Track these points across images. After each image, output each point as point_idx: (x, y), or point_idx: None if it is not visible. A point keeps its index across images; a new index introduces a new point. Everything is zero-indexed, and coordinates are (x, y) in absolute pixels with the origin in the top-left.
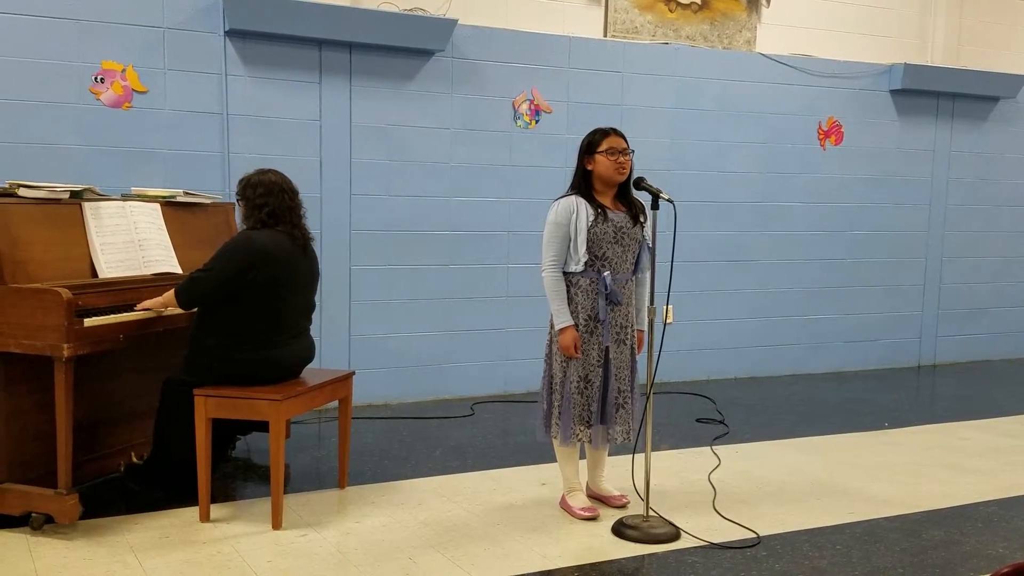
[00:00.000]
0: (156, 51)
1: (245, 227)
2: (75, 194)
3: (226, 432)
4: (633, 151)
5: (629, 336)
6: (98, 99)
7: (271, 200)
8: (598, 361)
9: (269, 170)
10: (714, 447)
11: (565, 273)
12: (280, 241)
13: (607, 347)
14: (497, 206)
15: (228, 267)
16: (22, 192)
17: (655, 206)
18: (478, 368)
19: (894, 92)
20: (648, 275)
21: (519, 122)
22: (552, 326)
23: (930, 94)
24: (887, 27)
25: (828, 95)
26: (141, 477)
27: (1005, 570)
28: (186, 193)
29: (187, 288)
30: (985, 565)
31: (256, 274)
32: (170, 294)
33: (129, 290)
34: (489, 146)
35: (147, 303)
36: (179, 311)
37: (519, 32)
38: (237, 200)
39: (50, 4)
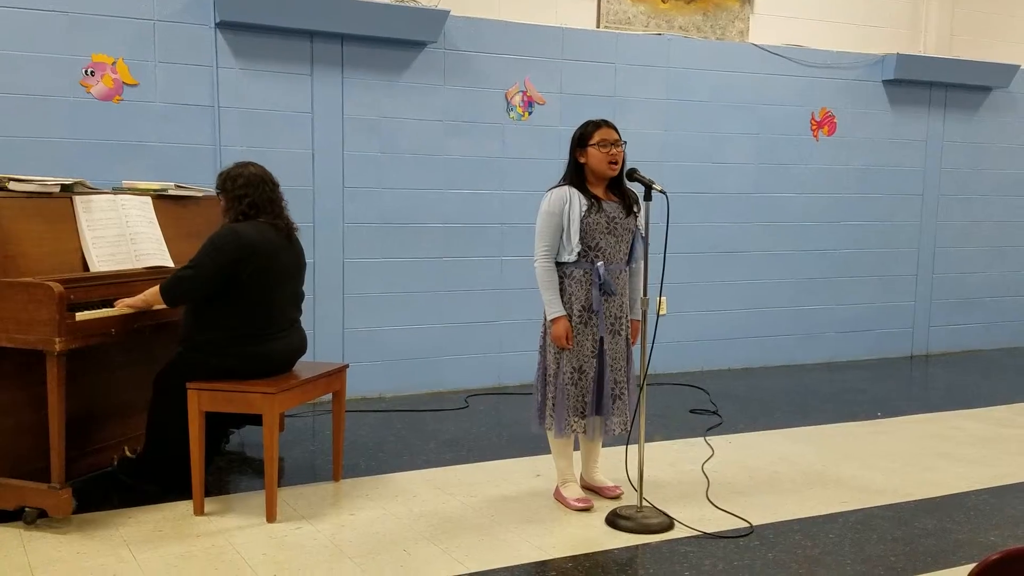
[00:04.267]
0: (147, 44)
1: (226, 220)
2: (66, 188)
3: (219, 425)
4: (625, 142)
5: (624, 326)
6: (88, 92)
7: (251, 191)
8: (592, 352)
9: (249, 163)
10: (707, 437)
11: (558, 264)
12: (265, 232)
13: (602, 337)
14: (490, 198)
15: (215, 262)
16: (12, 186)
17: (648, 197)
18: (472, 360)
19: (887, 82)
20: (641, 265)
21: (512, 114)
22: (545, 317)
23: (923, 84)
24: (880, 17)
25: (821, 85)
26: (134, 471)
27: (994, 556)
28: (177, 186)
29: (173, 286)
30: (977, 553)
31: (244, 268)
32: (154, 291)
33: (121, 284)
34: (482, 138)
35: (127, 301)
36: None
37: (511, 23)
38: (217, 194)
39: None
